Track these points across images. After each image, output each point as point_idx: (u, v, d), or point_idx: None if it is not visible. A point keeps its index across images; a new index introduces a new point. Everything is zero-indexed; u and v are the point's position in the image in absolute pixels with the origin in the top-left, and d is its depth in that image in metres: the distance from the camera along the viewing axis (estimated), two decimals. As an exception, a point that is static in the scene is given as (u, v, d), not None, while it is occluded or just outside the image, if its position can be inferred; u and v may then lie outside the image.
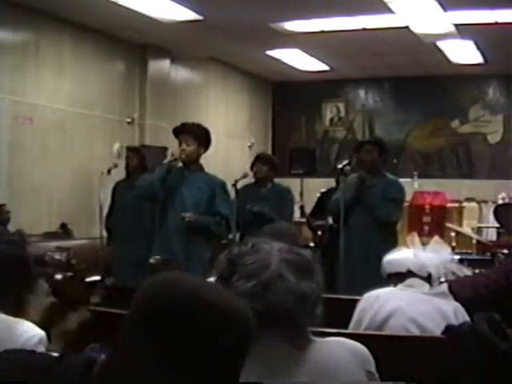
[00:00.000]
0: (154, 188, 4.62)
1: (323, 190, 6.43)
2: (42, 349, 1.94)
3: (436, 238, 2.74)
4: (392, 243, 5.12)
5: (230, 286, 1.57)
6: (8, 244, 2.23)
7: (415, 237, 2.71)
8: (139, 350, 1.09)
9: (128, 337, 1.12)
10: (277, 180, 5.96)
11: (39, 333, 2.01)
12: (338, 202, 5.08)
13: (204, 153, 4.76)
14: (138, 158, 6.04)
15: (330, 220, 5.72)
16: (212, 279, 1.64)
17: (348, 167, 5.13)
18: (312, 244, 6.06)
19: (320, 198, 6.32)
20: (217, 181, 4.79)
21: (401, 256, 2.76)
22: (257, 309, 1.28)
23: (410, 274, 2.67)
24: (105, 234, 6.30)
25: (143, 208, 5.53)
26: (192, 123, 4.80)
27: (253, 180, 5.78)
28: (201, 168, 4.79)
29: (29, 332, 1.99)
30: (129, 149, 6.42)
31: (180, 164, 4.62)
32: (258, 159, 5.81)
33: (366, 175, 5.13)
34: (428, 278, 2.65)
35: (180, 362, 1.08)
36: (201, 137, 4.67)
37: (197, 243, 4.64)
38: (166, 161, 4.65)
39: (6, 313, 2.05)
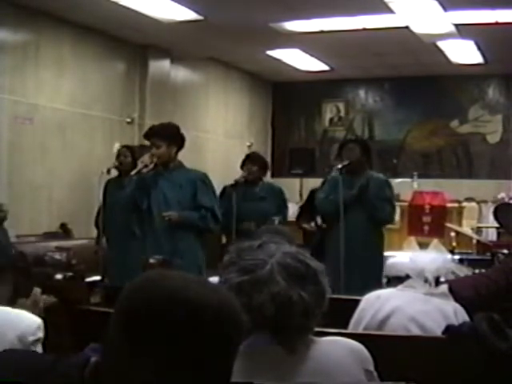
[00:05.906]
0: (134, 200, 4.61)
1: (312, 188, 6.34)
2: (40, 335, 2.12)
3: (435, 241, 2.75)
4: (380, 241, 5.13)
5: (227, 274, 1.58)
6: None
7: (413, 241, 2.73)
8: (122, 349, 1.09)
9: (112, 337, 1.12)
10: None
11: (37, 320, 2.15)
12: (328, 202, 5.06)
13: (179, 151, 4.68)
14: (132, 156, 6.04)
15: (319, 220, 5.69)
16: (212, 279, 1.64)
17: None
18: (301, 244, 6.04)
19: (310, 197, 6.24)
20: (197, 175, 4.72)
21: (400, 261, 2.77)
22: (244, 306, 1.27)
23: (408, 278, 2.68)
24: (95, 232, 6.30)
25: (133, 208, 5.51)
26: (160, 124, 4.74)
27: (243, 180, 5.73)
28: (180, 165, 4.71)
29: (28, 320, 2.13)
30: (123, 147, 6.37)
31: (152, 166, 4.52)
32: (248, 159, 5.78)
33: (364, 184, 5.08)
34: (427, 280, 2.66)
35: (162, 362, 1.07)
36: (169, 136, 4.59)
37: (185, 240, 4.58)
38: (135, 171, 4.57)
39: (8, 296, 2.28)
